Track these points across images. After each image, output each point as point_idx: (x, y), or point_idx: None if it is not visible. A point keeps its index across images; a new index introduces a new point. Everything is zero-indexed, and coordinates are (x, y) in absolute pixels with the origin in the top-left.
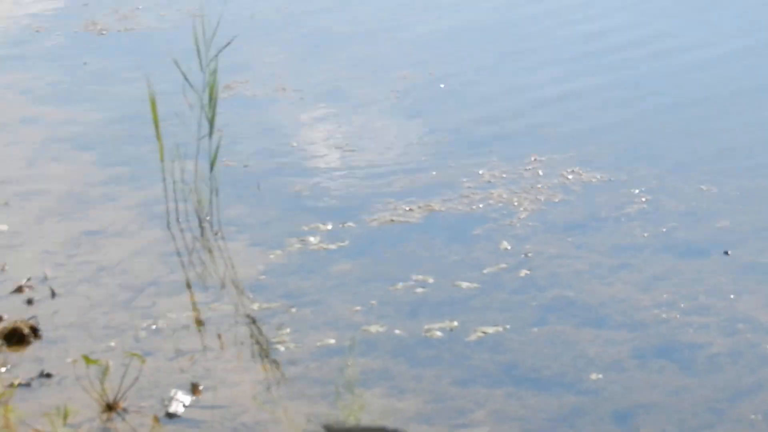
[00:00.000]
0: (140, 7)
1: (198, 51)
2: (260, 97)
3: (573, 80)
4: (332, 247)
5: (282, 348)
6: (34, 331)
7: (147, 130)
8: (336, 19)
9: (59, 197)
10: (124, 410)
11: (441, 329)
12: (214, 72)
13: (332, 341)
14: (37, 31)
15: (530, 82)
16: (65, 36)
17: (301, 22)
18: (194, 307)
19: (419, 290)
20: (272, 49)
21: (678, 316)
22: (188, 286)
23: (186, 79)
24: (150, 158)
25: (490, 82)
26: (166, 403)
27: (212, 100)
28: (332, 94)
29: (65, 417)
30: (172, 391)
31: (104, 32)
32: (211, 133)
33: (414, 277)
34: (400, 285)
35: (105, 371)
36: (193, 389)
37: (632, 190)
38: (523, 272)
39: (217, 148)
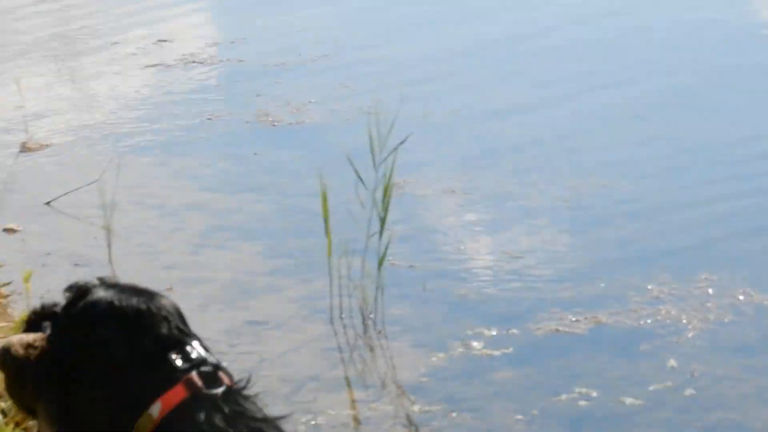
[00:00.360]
0: (312, 100)
1: (372, 148)
2: (429, 197)
3: (747, 193)
4: (496, 353)
5: None
6: None
7: (314, 224)
8: (508, 124)
9: (223, 286)
10: None
11: None
12: (391, 171)
13: None
14: (209, 119)
15: (702, 195)
16: (237, 125)
17: (473, 125)
18: (354, 405)
19: (582, 403)
20: (443, 149)
21: None
22: (349, 383)
23: (359, 176)
24: (316, 252)
25: (662, 195)
26: None
27: (386, 200)
28: (501, 198)
29: None
30: None
31: (276, 124)
32: (381, 232)
33: (577, 389)
34: (563, 396)
35: None
36: None
37: None
38: (689, 392)
39: (387, 246)
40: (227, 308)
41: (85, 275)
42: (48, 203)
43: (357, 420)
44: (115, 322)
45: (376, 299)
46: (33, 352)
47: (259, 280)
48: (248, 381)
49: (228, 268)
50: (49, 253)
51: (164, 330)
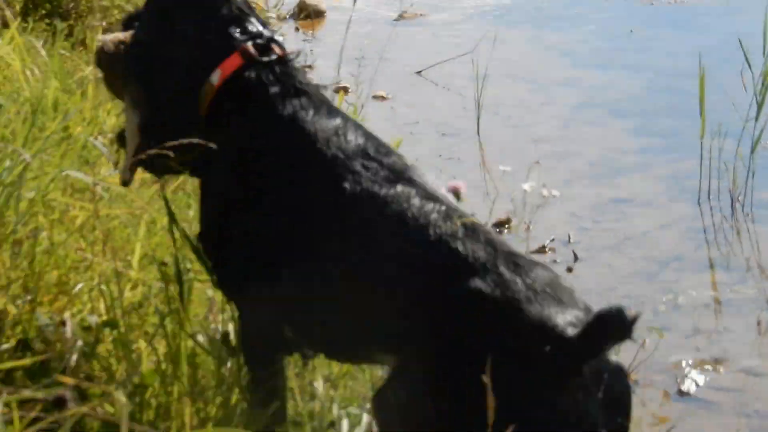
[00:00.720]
0: None
1: (765, 34)
2: None
3: None
4: None
5: None
6: None
7: (687, 105)
8: None
9: (590, 161)
10: (636, 382)
11: None
12: None
13: None
14: None
15: None
16: (613, 2)
17: None
18: (716, 287)
19: None
20: None
21: None
22: (712, 265)
23: (747, 60)
24: (687, 133)
25: None
26: (679, 380)
27: (766, 84)
28: None
29: None
30: (686, 369)
31: (654, 3)
32: (758, 116)
33: None
34: None
35: None
36: (708, 369)
37: None
38: None
39: (762, 131)
40: (593, 184)
41: (453, 145)
42: (419, 72)
43: (718, 302)
44: (184, 5)
45: (746, 182)
46: (123, 47)
47: (627, 158)
48: (297, 54)
49: (596, 144)
50: (417, 122)
51: (225, 10)
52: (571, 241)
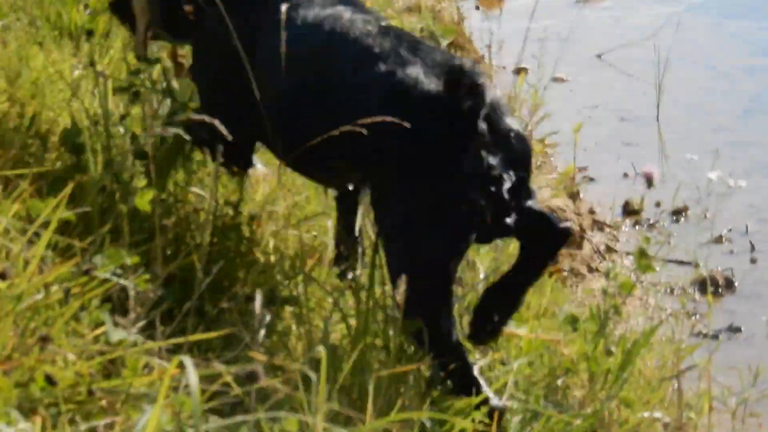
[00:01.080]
0: None
1: None
2: None
3: None
4: None
5: None
6: (729, 283)
7: None
8: None
9: None
10: None
11: None
12: None
13: None
14: None
15: None
16: None
17: None
18: None
19: None
20: None
21: None
22: None
23: None
24: None
25: None
26: None
27: None
28: None
29: (756, 376)
30: None
31: None
32: None
33: None
34: None
35: None
36: None
37: None
38: None
39: None
40: None
41: (632, 130)
42: (599, 56)
43: None
44: None
45: None
46: None
47: None
48: None
49: None
50: (596, 106)
51: None
52: (749, 231)
